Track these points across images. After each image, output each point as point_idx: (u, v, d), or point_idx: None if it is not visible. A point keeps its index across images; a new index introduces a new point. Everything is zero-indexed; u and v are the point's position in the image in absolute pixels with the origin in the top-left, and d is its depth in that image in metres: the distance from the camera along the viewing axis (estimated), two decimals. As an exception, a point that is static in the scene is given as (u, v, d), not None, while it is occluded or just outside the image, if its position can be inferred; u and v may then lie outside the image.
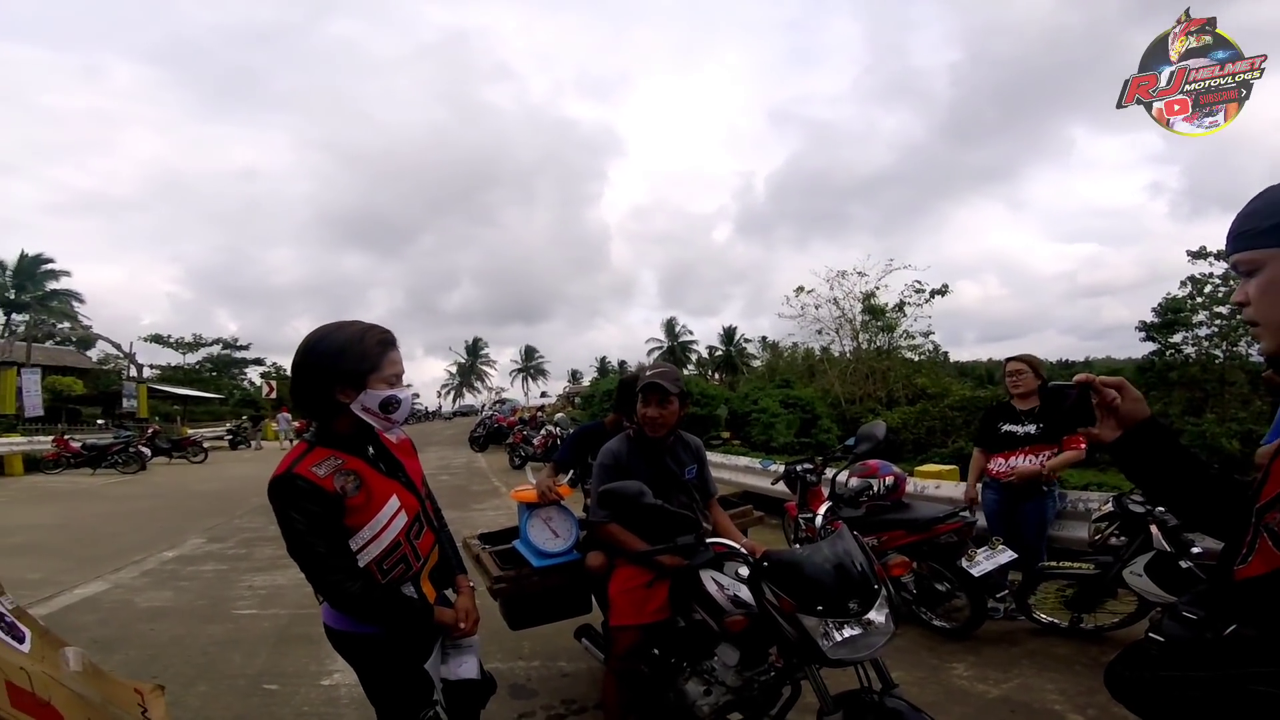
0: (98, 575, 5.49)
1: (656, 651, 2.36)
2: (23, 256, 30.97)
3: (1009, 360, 3.90)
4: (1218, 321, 17.58)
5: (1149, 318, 19.18)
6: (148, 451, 15.35)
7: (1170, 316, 18.45)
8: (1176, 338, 18.54)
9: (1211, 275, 17.77)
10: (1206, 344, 17.86)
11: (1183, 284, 18.47)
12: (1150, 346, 19.25)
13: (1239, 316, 1.05)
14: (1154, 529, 3.07)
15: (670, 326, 59.20)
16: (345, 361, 1.53)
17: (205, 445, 17.98)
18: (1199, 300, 18.01)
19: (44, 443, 15.45)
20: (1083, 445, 3.49)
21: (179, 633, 4.07)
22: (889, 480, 3.80)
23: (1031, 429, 3.63)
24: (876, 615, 1.64)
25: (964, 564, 3.36)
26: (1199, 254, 17.98)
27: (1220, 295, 17.46)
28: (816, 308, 20.97)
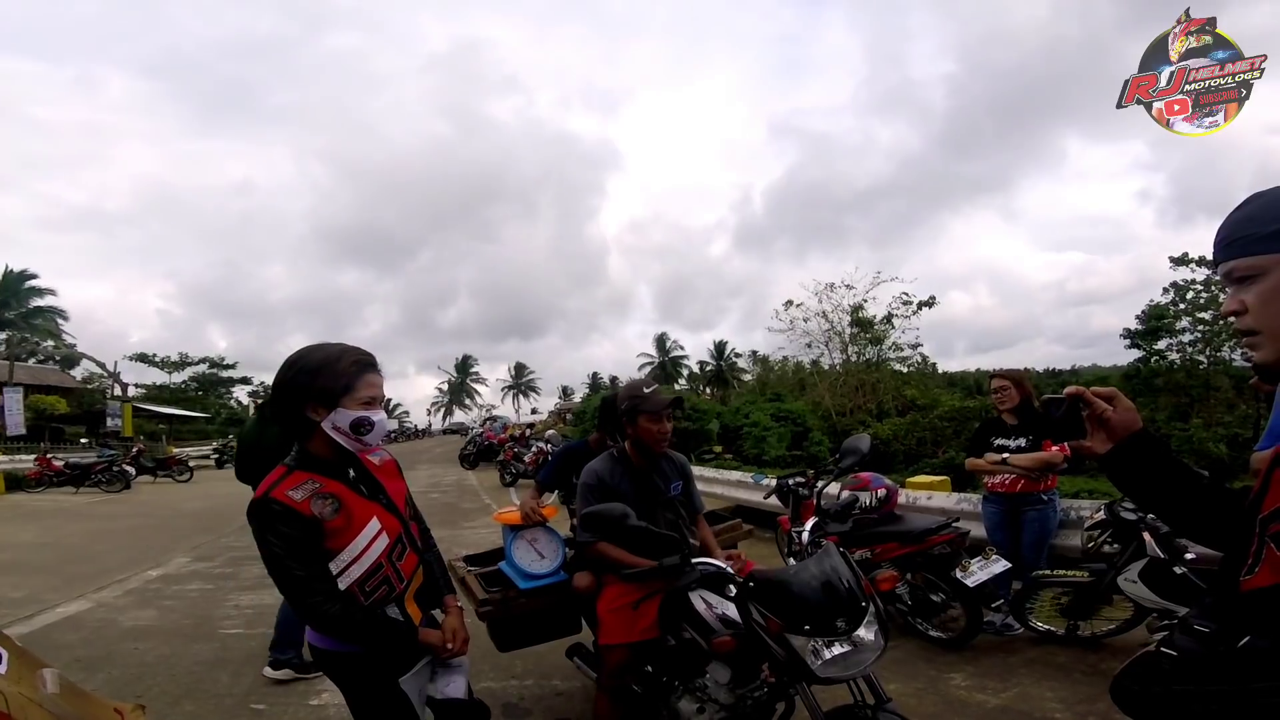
0: (81, 594, 5.38)
1: (649, 669, 2.33)
2: (7, 272, 30.54)
3: (993, 376, 3.93)
4: (1201, 327, 17.79)
5: (1135, 325, 19.43)
6: (132, 470, 15.08)
7: (1154, 323, 18.63)
8: (1161, 344, 18.73)
9: (1194, 282, 17.99)
10: (1190, 350, 18.06)
11: (1165, 290, 18.68)
12: (1136, 354, 19.46)
13: (1233, 327, 0.99)
14: (1147, 536, 3.07)
15: (661, 342, 59.28)
16: (319, 379, 1.55)
17: (191, 464, 17.73)
18: (1181, 307, 18.24)
19: (26, 461, 15.18)
20: (1053, 449, 3.49)
21: (164, 652, 3.99)
22: (880, 493, 3.79)
23: (1022, 442, 3.65)
24: (866, 632, 1.62)
25: (958, 574, 3.35)
26: (1181, 260, 18.19)
27: (1202, 301, 17.68)
28: (805, 321, 21.18)
